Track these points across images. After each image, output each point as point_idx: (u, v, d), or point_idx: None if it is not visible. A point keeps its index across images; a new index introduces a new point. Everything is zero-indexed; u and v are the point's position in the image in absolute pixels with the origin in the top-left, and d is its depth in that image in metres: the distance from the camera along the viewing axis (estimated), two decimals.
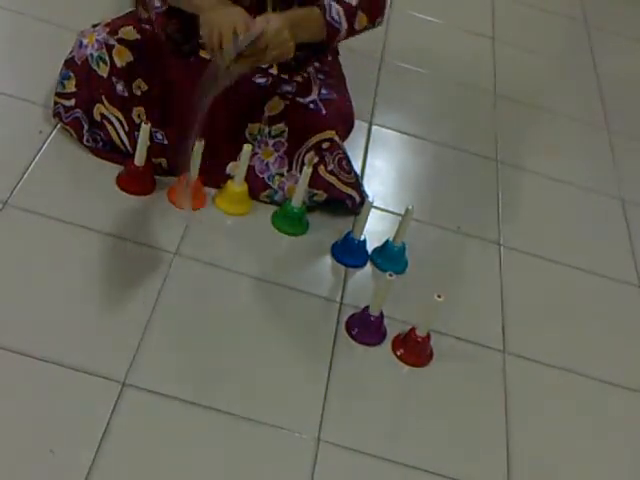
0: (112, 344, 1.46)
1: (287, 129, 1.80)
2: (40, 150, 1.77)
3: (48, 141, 1.79)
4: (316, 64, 1.88)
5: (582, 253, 2.01)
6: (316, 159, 1.79)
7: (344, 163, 1.82)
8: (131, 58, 1.75)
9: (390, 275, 1.56)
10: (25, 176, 1.70)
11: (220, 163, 1.80)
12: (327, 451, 1.42)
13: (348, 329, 1.63)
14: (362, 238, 1.77)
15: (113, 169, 1.77)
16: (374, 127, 2.18)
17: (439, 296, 1.54)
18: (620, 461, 1.59)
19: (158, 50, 1.78)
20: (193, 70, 1.79)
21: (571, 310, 1.86)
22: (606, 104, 2.60)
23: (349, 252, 1.77)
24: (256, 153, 1.80)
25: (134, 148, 1.72)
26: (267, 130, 1.80)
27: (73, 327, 1.47)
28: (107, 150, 1.78)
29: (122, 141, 1.75)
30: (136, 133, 1.73)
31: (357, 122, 1.92)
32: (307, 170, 1.71)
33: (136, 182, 1.75)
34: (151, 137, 1.74)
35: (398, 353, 1.62)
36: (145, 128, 1.68)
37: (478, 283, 1.85)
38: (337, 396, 1.51)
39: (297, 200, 1.76)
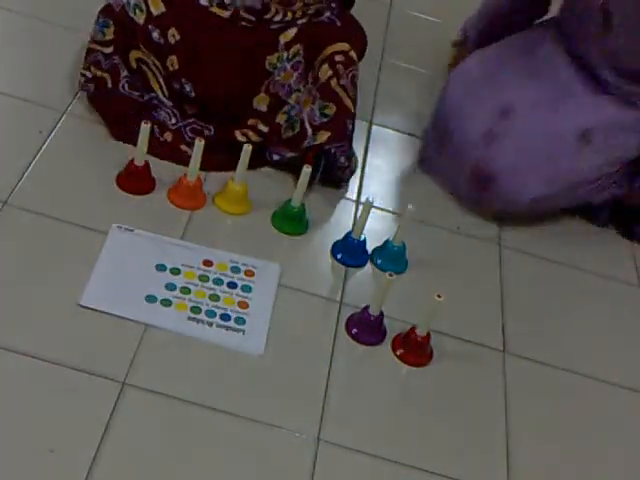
0: (112, 344, 1.47)
1: (301, 46, 1.82)
2: (40, 150, 1.77)
3: (48, 141, 1.79)
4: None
5: (582, 253, 2.00)
6: (330, 72, 1.81)
7: (356, 81, 1.84)
8: (163, 9, 1.78)
9: (390, 275, 1.56)
10: (25, 176, 1.70)
11: (244, 103, 1.84)
12: (327, 451, 1.42)
13: (348, 329, 1.63)
14: (362, 238, 1.77)
15: (113, 169, 1.76)
16: (374, 127, 2.18)
17: (439, 296, 1.54)
18: (620, 461, 1.59)
19: (186, 6, 1.80)
20: (220, 25, 1.81)
21: (571, 310, 1.86)
22: None
23: (349, 252, 1.77)
24: (277, 81, 1.83)
25: (171, 97, 1.79)
26: (285, 55, 1.82)
27: (73, 327, 1.47)
28: (134, 106, 1.83)
29: (160, 86, 1.79)
30: (171, 81, 1.79)
31: (357, 122, 1.92)
32: (307, 170, 1.71)
33: (136, 182, 1.75)
34: (181, 87, 1.79)
35: (398, 353, 1.62)
36: (145, 128, 1.68)
37: (478, 283, 1.85)
38: (337, 396, 1.51)
39: (297, 199, 1.76)
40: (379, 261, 1.79)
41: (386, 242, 1.79)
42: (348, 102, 1.83)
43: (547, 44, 1.95)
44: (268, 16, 1.84)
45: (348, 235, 1.77)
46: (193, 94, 1.81)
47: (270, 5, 1.84)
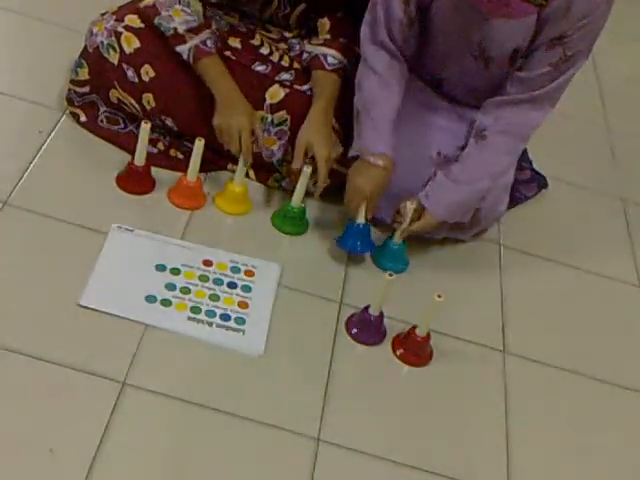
0: (112, 344, 1.47)
1: (289, 117, 1.81)
2: (40, 150, 1.76)
3: (48, 141, 1.79)
4: None
5: (582, 253, 2.01)
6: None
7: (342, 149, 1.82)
8: (138, 44, 1.77)
9: (390, 275, 1.56)
10: (25, 176, 1.70)
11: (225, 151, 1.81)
12: (327, 451, 1.42)
13: (348, 329, 1.63)
14: (361, 226, 1.71)
15: (113, 169, 1.77)
16: None
17: (439, 296, 1.54)
18: (620, 461, 1.59)
19: (161, 38, 1.78)
20: None
21: (571, 310, 1.86)
22: (606, 104, 2.60)
23: (356, 239, 1.73)
24: (260, 143, 1.80)
25: (155, 131, 1.78)
26: (270, 118, 1.81)
27: (73, 327, 1.47)
28: (118, 133, 1.83)
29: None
30: (151, 119, 1.77)
31: None
32: (306, 170, 1.71)
33: (136, 182, 1.75)
34: (162, 123, 1.79)
35: (398, 353, 1.62)
36: (145, 128, 1.68)
37: (478, 283, 1.85)
38: (337, 396, 1.51)
39: (297, 200, 1.76)
40: (379, 260, 1.78)
41: (386, 241, 1.79)
42: (340, 168, 1.80)
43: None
44: (255, 42, 1.84)
45: (349, 226, 1.73)
46: (176, 129, 1.80)
47: (255, 32, 1.85)
